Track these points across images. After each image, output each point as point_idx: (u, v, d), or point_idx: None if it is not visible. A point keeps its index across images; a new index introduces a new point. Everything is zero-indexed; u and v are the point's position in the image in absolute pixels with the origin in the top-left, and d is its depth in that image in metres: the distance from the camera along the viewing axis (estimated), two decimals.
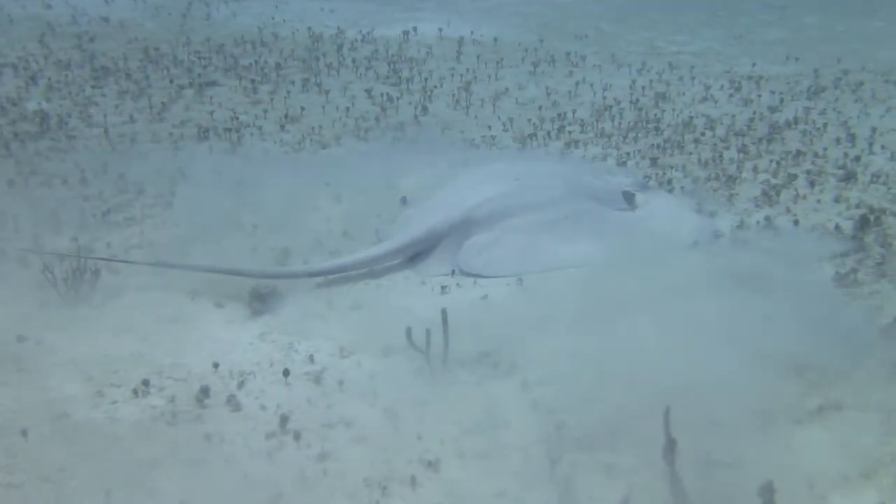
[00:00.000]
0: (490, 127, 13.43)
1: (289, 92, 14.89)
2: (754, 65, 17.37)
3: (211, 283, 8.40)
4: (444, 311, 7.00)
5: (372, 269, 8.93)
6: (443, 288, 8.50)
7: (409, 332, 6.95)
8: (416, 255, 9.16)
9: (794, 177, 10.88)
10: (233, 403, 6.70)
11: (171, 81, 15.34)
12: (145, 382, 6.88)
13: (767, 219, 9.73)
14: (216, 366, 7.20)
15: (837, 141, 12.45)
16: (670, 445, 5.25)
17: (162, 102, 14.10)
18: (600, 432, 6.08)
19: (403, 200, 10.02)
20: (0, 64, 15.96)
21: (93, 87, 14.96)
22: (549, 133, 12.97)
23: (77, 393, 6.84)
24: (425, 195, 10.26)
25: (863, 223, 9.39)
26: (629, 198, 10.07)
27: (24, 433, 6.23)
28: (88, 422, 6.48)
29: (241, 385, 6.98)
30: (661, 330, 7.16)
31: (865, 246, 9.04)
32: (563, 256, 8.87)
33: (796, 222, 9.62)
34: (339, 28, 20.18)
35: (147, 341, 7.65)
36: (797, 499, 5.54)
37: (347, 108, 14.03)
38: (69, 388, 6.90)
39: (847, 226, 9.51)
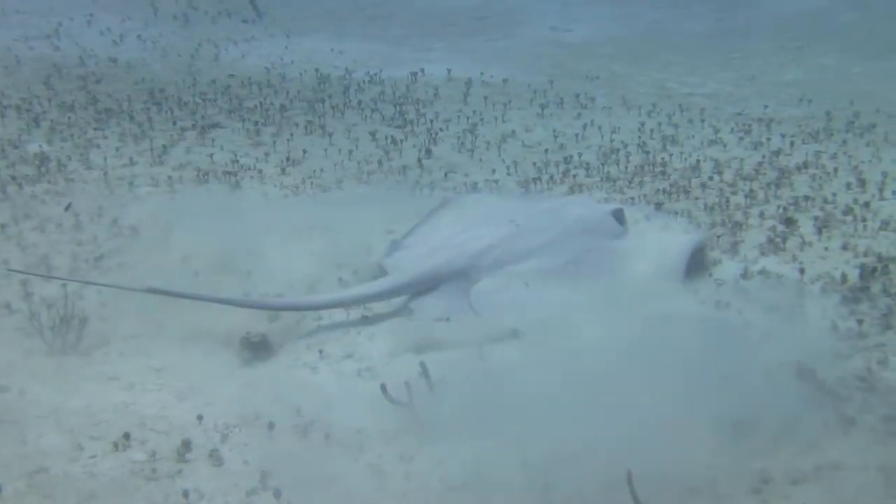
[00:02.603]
0: (494, 170, 13.26)
1: (292, 134, 14.76)
2: (766, 107, 17.12)
3: (202, 330, 8.22)
4: (423, 364, 6.86)
5: (366, 314, 8.78)
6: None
7: (383, 387, 6.78)
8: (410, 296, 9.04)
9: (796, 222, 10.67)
10: (215, 458, 6.48)
11: (174, 123, 15.25)
12: (126, 436, 6.69)
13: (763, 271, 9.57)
14: (200, 418, 6.99)
15: (847, 186, 12.21)
16: None
17: (163, 145, 13.95)
18: None
19: (393, 243, 9.81)
20: (4, 106, 15.84)
21: (95, 129, 14.87)
22: (552, 177, 12.77)
23: (56, 446, 6.66)
24: (415, 237, 10.04)
25: (869, 272, 9.15)
26: (620, 217, 10.01)
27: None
28: (66, 476, 6.31)
29: (224, 439, 6.75)
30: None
31: (872, 296, 8.77)
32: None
33: (802, 270, 9.37)
34: (346, 69, 20.04)
35: (132, 391, 7.49)
36: None
37: (350, 151, 13.89)
38: (49, 440, 6.73)
39: (853, 274, 9.26)
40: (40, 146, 13.92)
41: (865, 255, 9.86)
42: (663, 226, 10.49)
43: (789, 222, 10.59)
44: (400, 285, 8.97)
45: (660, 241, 9.91)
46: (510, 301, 8.88)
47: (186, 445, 6.59)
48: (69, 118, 15.43)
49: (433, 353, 7.89)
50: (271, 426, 6.87)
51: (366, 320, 8.77)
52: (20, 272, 8.98)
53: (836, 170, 12.85)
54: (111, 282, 8.87)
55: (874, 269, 9.27)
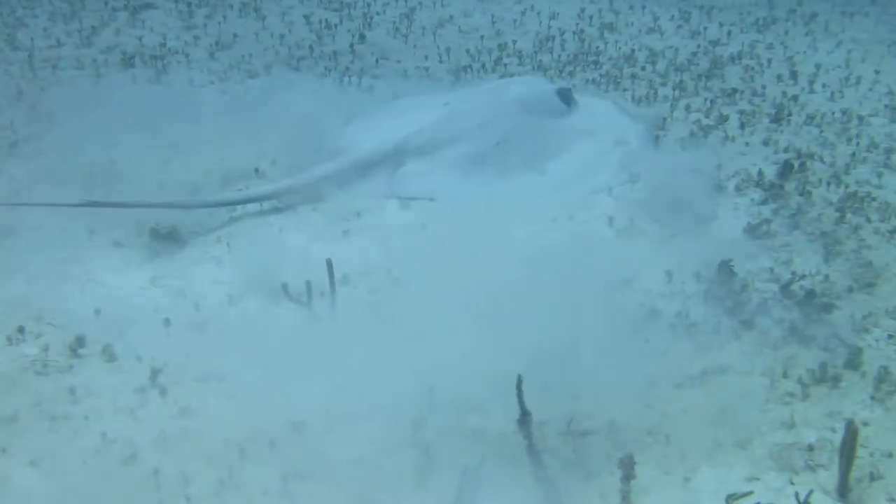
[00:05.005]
0: (427, 57, 13.08)
1: (225, 17, 14.50)
2: None
3: (112, 221, 8.13)
4: (328, 262, 6.80)
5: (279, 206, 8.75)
6: (344, 233, 8.24)
7: (284, 286, 6.75)
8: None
9: (725, 118, 10.60)
10: (108, 353, 6.47)
11: (106, 3, 14.89)
12: (20, 329, 6.65)
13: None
14: (98, 312, 6.96)
15: (779, 78, 12.14)
16: (525, 417, 5.07)
17: (92, 26, 13.68)
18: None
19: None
20: None
21: (24, 7, 14.49)
22: (484, 65, 12.64)
23: None
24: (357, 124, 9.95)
25: (786, 169, 9.14)
26: (566, 97, 9.89)
27: None
28: None
29: (120, 334, 6.73)
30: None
31: (785, 194, 8.79)
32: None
33: (718, 166, 9.35)
34: None
35: (34, 284, 7.41)
36: None
37: (282, 35, 13.67)
38: None
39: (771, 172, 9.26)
40: None
41: (786, 150, 9.82)
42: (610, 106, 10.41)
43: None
44: (328, 174, 8.89)
45: (607, 118, 9.89)
46: (428, 188, 8.83)
47: (80, 341, 6.54)
48: None
49: (341, 247, 7.88)
50: (167, 322, 6.81)
51: (278, 211, 8.67)
52: None
53: (770, 61, 12.76)
54: (40, 190, 8.72)
55: (792, 167, 9.22)
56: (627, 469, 4.92)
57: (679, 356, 6.48)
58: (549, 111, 9.60)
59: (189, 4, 14.99)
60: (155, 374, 6.22)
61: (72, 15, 14.17)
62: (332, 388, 6.05)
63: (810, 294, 6.97)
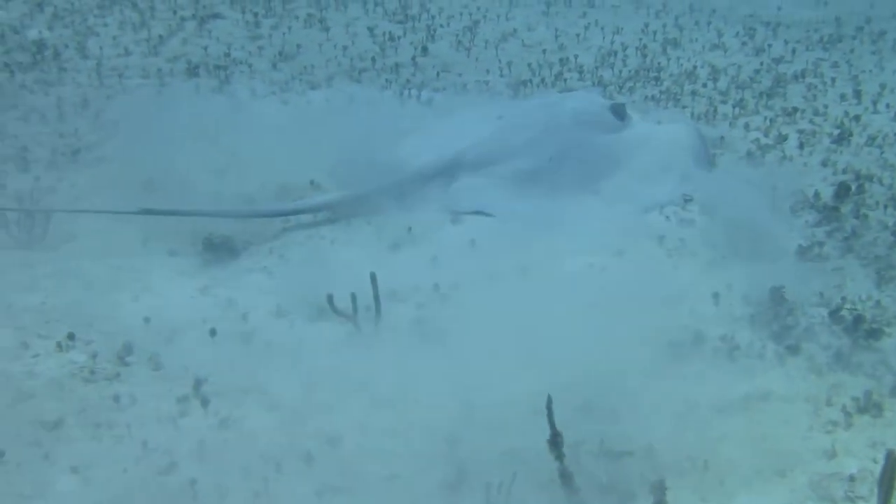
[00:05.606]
0: (488, 71, 13.11)
1: (290, 27, 14.61)
2: (780, 8, 16.75)
3: (168, 229, 8.27)
4: (373, 276, 6.85)
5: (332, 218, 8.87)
6: (394, 246, 8.29)
7: (330, 298, 6.80)
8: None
9: (785, 137, 10.51)
10: (154, 362, 6.58)
11: (175, 12, 15.09)
12: (70, 336, 6.76)
13: None
14: (147, 320, 7.07)
15: (842, 97, 12.00)
16: (555, 438, 5.07)
17: (160, 35, 13.88)
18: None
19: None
20: None
21: (96, 16, 14.74)
22: (544, 80, 12.65)
23: (2, 343, 6.73)
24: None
25: (842, 191, 9.03)
26: (620, 112, 9.85)
27: None
28: (5, 375, 6.39)
29: (167, 343, 6.83)
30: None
31: (840, 217, 8.68)
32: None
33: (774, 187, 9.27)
34: None
35: (88, 290, 7.55)
36: None
37: (346, 47, 13.78)
38: None
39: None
40: (40, 32, 13.86)
41: (845, 172, 9.71)
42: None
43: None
44: (382, 187, 8.96)
45: (663, 133, 9.89)
46: (481, 202, 8.90)
47: (128, 349, 6.65)
48: (73, 4, 15.30)
49: (391, 261, 7.94)
50: (214, 332, 6.90)
51: (331, 223, 8.74)
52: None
53: (834, 80, 12.62)
54: (100, 197, 8.84)
55: (848, 189, 9.12)
56: (659, 495, 4.90)
57: (722, 380, 6.42)
58: (603, 127, 9.58)
59: (255, 15, 15.12)
60: (198, 384, 6.29)
61: (141, 24, 14.37)
62: (370, 403, 6.12)
63: (859, 319, 6.88)
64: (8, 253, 8.03)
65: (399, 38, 14.33)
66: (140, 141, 9.86)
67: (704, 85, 12.56)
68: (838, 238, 8.37)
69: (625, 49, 14.12)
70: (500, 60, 13.47)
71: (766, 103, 11.77)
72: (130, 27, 14.28)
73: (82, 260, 8.03)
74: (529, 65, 13.24)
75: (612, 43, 14.48)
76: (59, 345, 6.70)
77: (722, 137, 10.50)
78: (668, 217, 8.72)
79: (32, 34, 13.77)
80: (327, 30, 14.54)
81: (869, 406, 6.13)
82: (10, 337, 6.82)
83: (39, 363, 6.55)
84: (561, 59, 13.51)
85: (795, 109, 11.40)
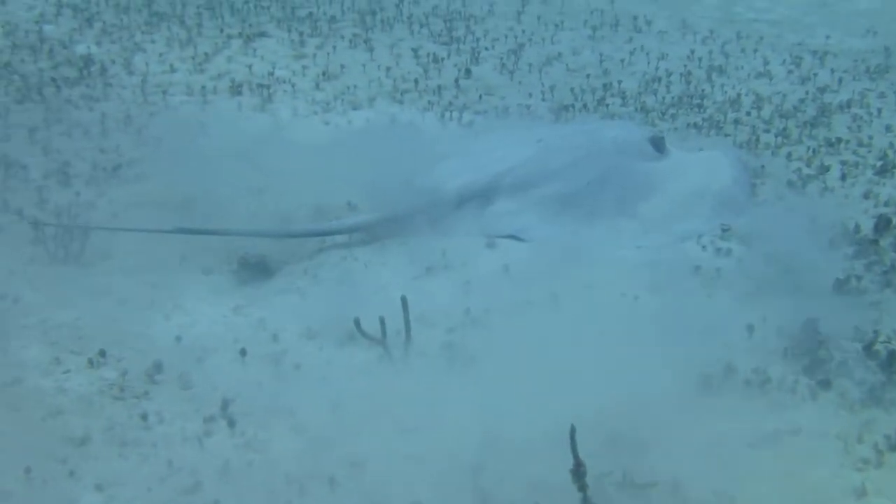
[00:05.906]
0: (531, 94, 13.08)
1: (334, 47, 14.65)
2: (828, 37, 16.60)
3: (205, 247, 8.34)
4: (403, 299, 6.85)
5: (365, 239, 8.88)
6: (428, 270, 8.28)
7: (357, 322, 6.79)
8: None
9: (827, 168, 10.40)
10: (184, 381, 6.61)
11: (222, 31, 15.19)
12: (101, 353, 6.81)
13: None
14: (178, 339, 7.11)
15: (888, 129, 11.87)
16: (578, 468, 5.03)
17: (206, 53, 13.98)
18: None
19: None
20: (62, 4, 15.91)
21: (144, 32, 14.89)
22: (586, 105, 12.59)
23: (35, 358, 6.82)
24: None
25: (882, 224, 8.91)
26: (658, 144, 9.83)
27: None
28: (36, 391, 6.46)
29: (198, 362, 6.87)
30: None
31: (879, 250, 8.57)
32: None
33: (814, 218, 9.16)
34: None
35: (122, 307, 7.61)
36: None
37: (389, 68, 13.79)
38: (30, 352, 6.89)
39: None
40: (88, 48, 14.02)
41: (887, 204, 9.60)
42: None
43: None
44: (418, 208, 8.97)
45: (702, 161, 9.88)
46: (517, 227, 8.91)
47: (158, 367, 6.69)
48: (122, 20, 15.47)
49: (423, 285, 7.94)
50: (243, 353, 6.93)
51: (365, 244, 8.75)
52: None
53: (880, 111, 12.48)
54: (138, 213, 8.94)
55: (889, 222, 9.00)
56: None
57: (752, 414, 6.35)
58: (641, 156, 9.51)
59: (301, 34, 15.18)
60: (226, 404, 6.31)
61: (188, 41, 14.49)
62: (396, 428, 6.10)
63: (893, 355, 6.78)
64: (45, 268, 8.08)
65: (443, 59, 14.32)
66: (180, 158, 9.92)
67: (748, 113, 12.44)
68: (877, 272, 8.23)
69: (669, 75, 14.02)
70: (542, 84, 13.42)
71: (810, 133, 11.63)
72: (177, 44, 14.40)
73: (118, 276, 8.08)
74: (572, 89, 13.17)
75: (656, 69, 14.38)
76: (90, 361, 6.76)
77: (763, 166, 10.36)
78: (704, 247, 8.62)
79: (80, 49, 13.90)
80: (371, 50, 14.57)
81: None
82: (43, 352, 6.90)
83: (70, 379, 6.62)
84: (604, 85, 13.42)
85: (839, 140, 11.26)
